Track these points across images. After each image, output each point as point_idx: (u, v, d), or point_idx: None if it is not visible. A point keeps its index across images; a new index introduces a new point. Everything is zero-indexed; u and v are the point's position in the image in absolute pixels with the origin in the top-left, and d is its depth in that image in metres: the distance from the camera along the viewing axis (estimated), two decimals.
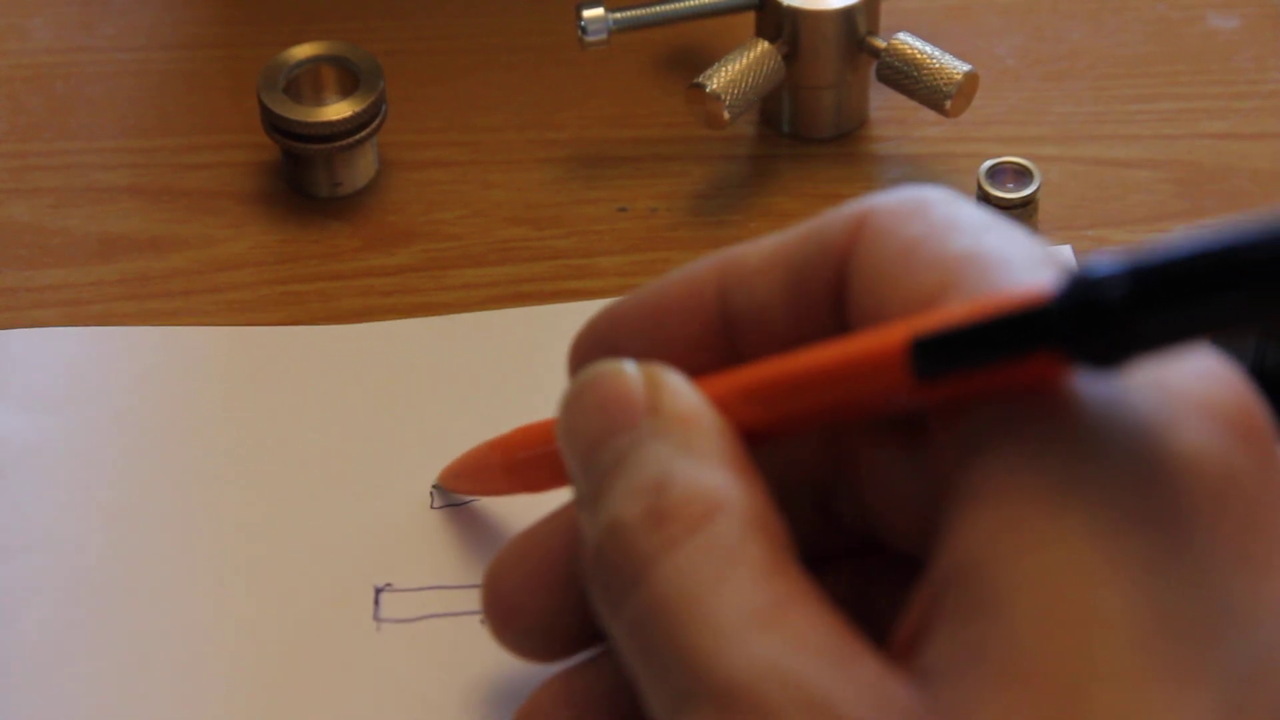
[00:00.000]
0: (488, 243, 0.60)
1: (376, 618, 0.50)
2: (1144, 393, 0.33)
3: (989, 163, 0.59)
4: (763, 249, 0.39)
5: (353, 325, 0.57)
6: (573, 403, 0.38)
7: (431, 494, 0.52)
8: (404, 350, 0.56)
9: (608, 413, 0.37)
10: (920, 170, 0.62)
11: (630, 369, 0.38)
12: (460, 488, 0.51)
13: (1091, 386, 0.33)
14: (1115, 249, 0.31)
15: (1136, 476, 0.33)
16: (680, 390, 0.37)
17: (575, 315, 0.56)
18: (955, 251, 0.35)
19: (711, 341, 0.39)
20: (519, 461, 0.46)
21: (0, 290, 0.58)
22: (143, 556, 0.51)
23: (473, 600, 0.50)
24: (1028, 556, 0.32)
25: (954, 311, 0.34)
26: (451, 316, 0.57)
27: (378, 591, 0.50)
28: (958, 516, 0.34)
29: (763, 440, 0.37)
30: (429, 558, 0.51)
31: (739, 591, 0.34)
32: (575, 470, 0.38)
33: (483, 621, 0.49)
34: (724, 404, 0.37)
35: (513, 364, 0.55)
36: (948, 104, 0.59)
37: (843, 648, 0.34)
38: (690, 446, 0.36)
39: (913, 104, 0.61)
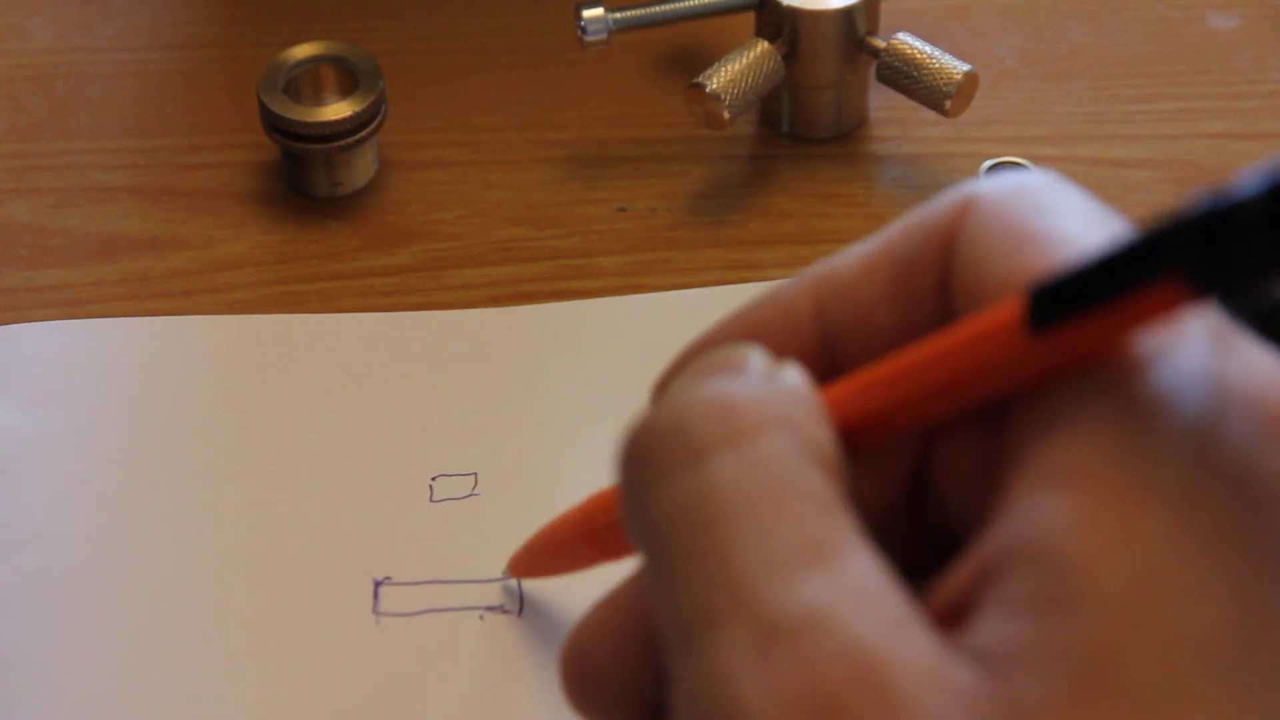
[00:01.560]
0: (488, 243, 0.60)
1: (375, 611, 0.50)
2: (1241, 407, 0.33)
3: (989, 163, 0.59)
4: (859, 255, 0.38)
5: (353, 315, 0.57)
6: (685, 374, 0.36)
7: (431, 487, 0.52)
8: (405, 343, 0.56)
9: (714, 374, 0.35)
10: (920, 170, 0.62)
11: (754, 347, 0.36)
12: (533, 569, 0.49)
13: (1188, 390, 0.32)
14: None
15: (1227, 491, 0.32)
16: (794, 372, 0.35)
17: (576, 315, 0.57)
18: (1062, 232, 0.35)
19: (809, 362, 0.37)
20: (600, 527, 0.43)
21: (0, 290, 0.58)
22: (141, 550, 0.51)
23: (472, 595, 0.50)
24: (1113, 557, 0.31)
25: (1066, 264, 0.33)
26: (454, 311, 0.57)
27: (377, 585, 0.50)
28: (1027, 491, 0.32)
29: (872, 444, 0.36)
30: (428, 551, 0.51)
31: (796, 519, 0.32)
32: None
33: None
34: (837, 406, 0.35)
35: (513, 361, 0.55)
36: (947, 104, 0.59)
37: (898, 610, 0.32)
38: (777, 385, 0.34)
39: (912, 104, 0.61)
